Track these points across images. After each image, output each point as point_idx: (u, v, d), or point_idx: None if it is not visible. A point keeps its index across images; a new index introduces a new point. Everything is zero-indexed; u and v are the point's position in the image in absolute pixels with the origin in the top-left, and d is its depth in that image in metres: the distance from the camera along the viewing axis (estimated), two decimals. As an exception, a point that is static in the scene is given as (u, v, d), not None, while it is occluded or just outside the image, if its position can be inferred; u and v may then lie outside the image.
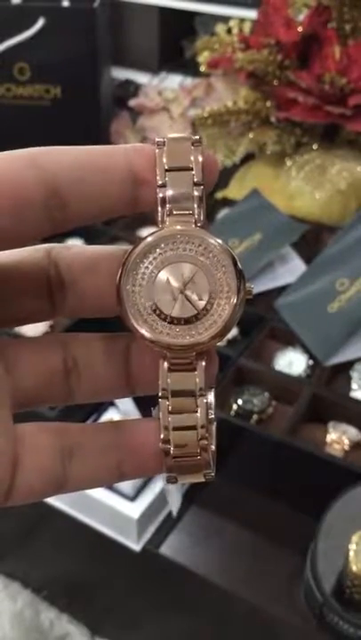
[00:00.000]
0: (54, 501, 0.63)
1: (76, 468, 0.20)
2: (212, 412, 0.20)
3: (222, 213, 0.89)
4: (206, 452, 0.19)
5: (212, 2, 1.44)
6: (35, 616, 0.79)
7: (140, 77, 1.45)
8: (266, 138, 0.89)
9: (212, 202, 0.93)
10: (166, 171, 0.18)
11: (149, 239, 0.19)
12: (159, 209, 0.19)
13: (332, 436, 0.64)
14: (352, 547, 0.55)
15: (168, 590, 0.65)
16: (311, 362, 0.70)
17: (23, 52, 0.98)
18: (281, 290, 0.77)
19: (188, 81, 1.23)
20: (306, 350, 0.71)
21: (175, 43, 1.48)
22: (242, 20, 1.02)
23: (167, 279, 0.19)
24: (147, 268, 0.19)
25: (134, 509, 0.59)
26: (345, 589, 0.56)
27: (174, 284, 0.19)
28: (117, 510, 0.59)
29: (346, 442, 0.63)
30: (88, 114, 1.02)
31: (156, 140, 0.19)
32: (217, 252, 0.19)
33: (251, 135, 0.90)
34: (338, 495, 0.58)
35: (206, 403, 0.19)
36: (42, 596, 0.79)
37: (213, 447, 0.20)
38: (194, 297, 0.19)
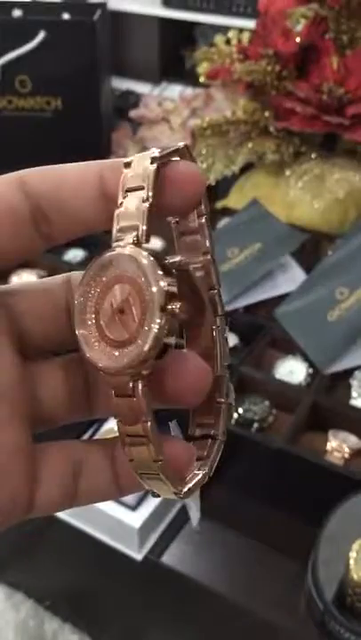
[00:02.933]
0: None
1: (83, 484, 0.21)
2: (216, 433, 0.21)
3: (222, 223, 0.90)
4: (165, 472, 0.19)
5: (211, 12, 1.45)
6: (38, 626, 0.79)
7: (141, 88, 1.46)
8: (265, 147, 0.89)
9: (211, 211, 0.94)
10: (126, 191, 0.19)
11: (96, 263, 0.19)
12: (113, 228, 0.19)
13: (332, 443, 0.64)
14: (353, 555, 0.55)
15: (170, 599, 0.65)
16: (311, 370, 0.71)
17: (24, 64, 0.99)
18: (281, 298, 0.78)
19: (189, 91, 1.24)
20: (306, 359, 0.72)
21: (176, 53, 1.49)
22: (240, 31, 1.03)
23: (110, 302, 0.19)
24: (92, 294, 0.19)
25: (136, 519, 0.59)
26: (346, 597, 0.56)
27: (114, 306, 0.19)
28: (119, 520, 0.59)
29: (346, 450, 0.63)
30: (89, 125, 1.02)
31: (124, 160, 0.19)
32: (143, 268, 0.18)
33: (250, 145, 0.91)
34: (338, 503, 0.59)
35: (150, 425, 0.18)
36: (45, 606, 0.79)
37: (206, 470, 0.21)
38: (129, 318, 0.18)
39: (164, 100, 1.10)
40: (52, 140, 1.01)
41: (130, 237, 0.18)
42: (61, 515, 0.63)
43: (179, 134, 1.00)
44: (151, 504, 0.61)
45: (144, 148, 1.03)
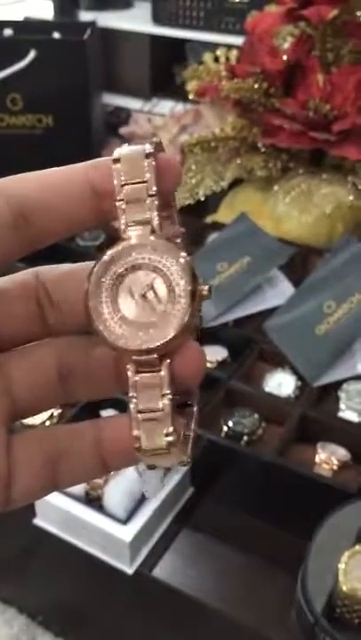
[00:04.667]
0: (48, 526, 0.64)
1: (65, 469, 0.21)
2: (192, 401, 0.22)
3: (211, 237, 0.91)
4: (175, 446, 0.20)
5: (201, 29, 1.47)
6: (31, 641, 0.79)
7: (133, 103, 1.48)
8: (253, 163, 0.91)
9: (201, 226, 0.95)
10: (122, 185, 0.20)
11: (110, 253, 0.20)
12: (119, 221, 0.20)
13: (320, 456, 0.65)
14: (342, 566, 0.56)
15: (162, 612, 0.65)
16: (300, 383, 0.72)
17: (15, 83, 1.00)
18: (270, 312, 0.79)
19: (180, 107, 1.26)
20: (295, 372, 0.72)
21: (166, 69, 1.51)
22: (229, 49, 1.05)
23: (129, 288, 0.20)
24: (110, 278, 0.20)
25: (127, 532, 0.60)
26: (336, 609, 0.56)
27: (135, 291, 0.20)
28: (110, 533, 0.60)
29: (335, 462, 0.64)
30: (80, 142, 1.04)
31: (113, 156, 0.20)
32: (172, 258, 0.20)
33: (238, 161, 0.92)
34: (327, 515, 0.59)
35: (170, 399, 0.20)
36: (37, 622, 0.79)
37: (191, 434, 0.22)
38: (154, 301, 0.20)
39: (153, 116, 1.11)
40: (43, 157, 1.02)
41: (145, 228, 0.20)
42: (53, 529, 0.64)
43: (168, 150, 1.01)
44: (142, 518, 0.61)
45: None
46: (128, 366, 0.20)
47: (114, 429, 0.21)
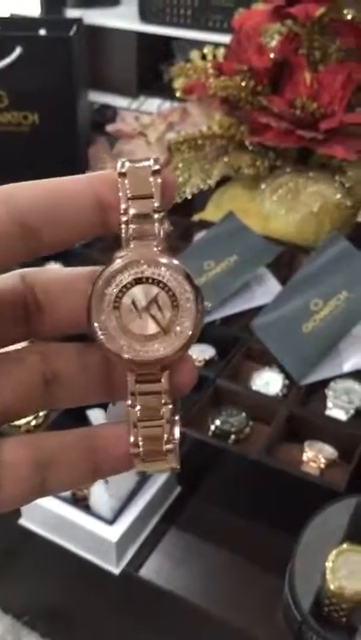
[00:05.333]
0: (34, 527, 0.63)
1: (54, 476, 0.21)
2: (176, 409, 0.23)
3: (199, 235, 0.91)
4: (172, 452, 0.21)
5: (188, 27, 1.47)
6: (17, 643, 0.78)
7: (120, 101, 1.47)
8: (240, 162, 0.90)
9: (188, 224, 0.94)
10: (129, 199, 0.20)
11: (116, 264, 0.20)
12: (123, 234, 0.21)
13: (308, 454, 0.64)
14: (329, 565, 0.56)
15: (149, 613, 0.65)
16: (287, 381, 0.71)
17: (1, 79, 0.99)
18: (257, 310, 0.78)
19: (167, 104, 1.25)
20: (282, 370, 0.72)
21: (154, 67, 1.51)
22: (216, 46, 1.05)
23: (133, 300, 0.21)
24: (113, 290, 0.21)
25: (113, 532, 0.59)
26: (323, 608, 0.56)
27: (139, 303, 0.21)
28: (96, 534, 0.59)
29: (322, 460, 0.64)
30: (66, 139, 1.03)
31: (118, 170, 0.20)
32: (175, 272, 0.21)
33: (226, 159, 0.92)
34: (314, 514, 0.59)
35: (170, 408, 0.21)
36: (23, 622, 0.79)
37: (177, 440, 0.22)
38: (158, 315, 0.21)
39: (141, 114, 1.11)
40: (29, 154, 1.01)
41: (150, 242, 0.20)
42: (38, 529, 0.63)
43: (155, 148, 1.01)
44: (129, 517, 0.61)
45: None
46: (129, 376, 0.21)
47: (109, 437, 0.22)
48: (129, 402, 0.21)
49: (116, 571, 0.60)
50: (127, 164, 0.20)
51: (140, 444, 0.21)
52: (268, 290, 0.82)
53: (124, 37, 1.52)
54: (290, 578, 0.57)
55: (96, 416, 0.65)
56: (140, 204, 0.20)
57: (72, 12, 1.53)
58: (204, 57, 1.04)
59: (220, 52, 1.02)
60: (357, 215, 1.02)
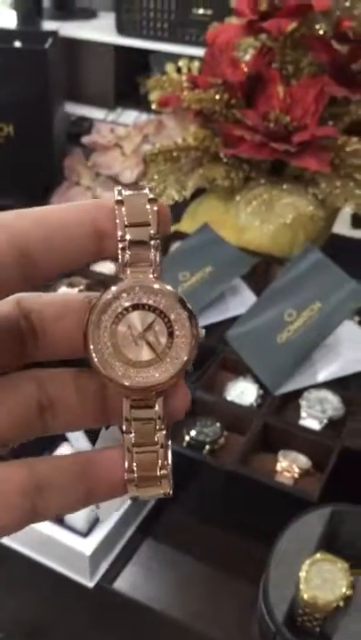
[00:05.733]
0: (7, 541, 0.63)
1: (46, 502, 0.21)
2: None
3: (174, 246, 0.91)
4: (166, 478, 0.22)
5: (165, 41, 1.48)
6: (-9, 659, 0.77)
7: (97, 113, 1.48)
8: (215, 173, 0.91)
9: (164, 235, 0.95)
10: (126, 226, 0.21)
11: (112, 291, 0.21)
12: (120, 260, 0.21)
13: (282, 464, 0.65)
14: (303, 574, 0.56)
15: (124, 626, 0.64)
16: (262, 391, 0.72)
17: (-24, 91, 0.99)
18: (232, 321, 0.79)
19: (144, 117, 1.26)
20: (256, 380, 0.73)
21: (131, 79, 1.52)
22: (191, 60, 1.06)
23: (129, 326, 0.21)
24: (110, 316, 0.21)
25: (87, 545, 0.59)
26: (297, 618, 0.56)
27: (135, 330, 0.21)
28: (70, 547, 0.59)
29: (296, 470, 0.64)
30: (41, 151, 1.03)
31: (115, 198, 0.21)
32: (171, 300, 0.21)
33: (201, 171, 0.92)
34: (288, 523, 0.59)
35: (165, 434, 0.21)
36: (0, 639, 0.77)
37: (170, 465, 0.22)
38: (154, 341, 0.21)
39: (117, 126, 1.11)
40: (3, 165, 1.01)
41: (147, 270, 0.21)
42: (12, 543, 0.62)
43: (131, 160, 1.01)
44: (103, 530, 0.60)
45: (97, 174, 1.04)
46: (124, 402, 0.21)
47: (104, 462, 0.22)
48: (123, 427, 0.21)
49: (90, 584, 0.60)
50: (124, 193, 0.21)
51: (135, 469, 0.21)
52: (242, 301, 0.83)
53: (102, 50, 1.53)
54: (264, 588, 0.57)
55: (76, 436, 0.65)
56: (136, 232, 0.21)
57: (48, 25, 1.54)
58: (179, 70, 1.05)
59: (196, 65, 1.03)
60: (331, 226, 1.04)
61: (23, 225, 0.20)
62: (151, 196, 0.21)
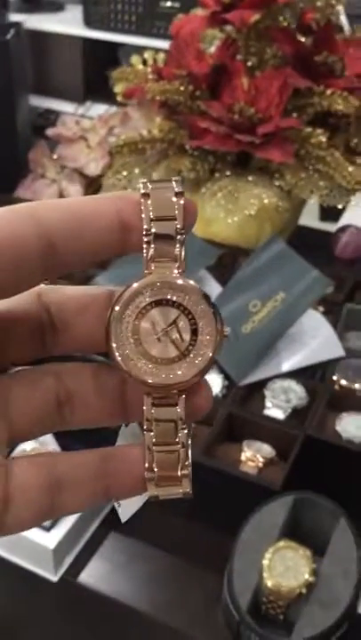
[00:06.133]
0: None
1: (65, 498, 0.21)
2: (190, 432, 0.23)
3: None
4: (187, 477, 0.21)
5: (132, 33, 1.47)
6: None
7: (66, 107, 1.46)
8: (181, 165, 0.91)
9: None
10: (152, 220, 0.20)
11: (135, 286, 0.20)
12: (145, 255, 0.20)
13: (246, 453, 0.65)
14: (266, 562, 0.56)
15: (89, 619, 0.64)
16: (227, 382, 0.72)
17: None
18: (198, 313, 0.79)
19: (113, 110, 1.25)
20: (222, 371, 0.73)
21: (101, 73, 1.51)
22: (157, 52, 1.05)
23: (152, 322, 0.20)
24: (133, 312, 0.20)
25: (50, 539, 0.58)
26: (261, 606, 0.57)
27: (159, 326, 0.20)
28: (33, 541, 0.58)
29: (260, 459, 0.64)
30: (5, 143, 1.02)
31: (142, 191, 0.20)
32: (196, 296, 0.21)
33: (166, 163, 0.92)
34: (251, 512, 0.60)
35: (186, 433, 0.21)
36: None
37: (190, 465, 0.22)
38: (177, 338, 0.20)
39: (82, 118, 1.10)
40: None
41: (172, 265, 0.20)
42: (-27, 539, 0.62)
43: (96, 152, 1.00)
44: (67, 524, 0.60)
45: (62, 167, 1.03)
46: (145, 399, 0.21)
47: (124, 460, 0.21)
48: (145, 425, 0.21)
49: (54, 578, 0.60)
50: (150, 185, 0.20)
51: (155, 468, 0.21)
52: (208, 292, 0.82)
53: (69, 43, 1.51)
54: (228, 577, 0.57)
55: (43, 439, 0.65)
56: (162, 225, 0.20)
57: (15, 18, 1.52)
58: (144, 62, 1.04)
59: (161, 57, 1.03)
60: (298, 218, 1.04)
61: (52, 216, 0.19)
62: (178, 189, 0.20)
